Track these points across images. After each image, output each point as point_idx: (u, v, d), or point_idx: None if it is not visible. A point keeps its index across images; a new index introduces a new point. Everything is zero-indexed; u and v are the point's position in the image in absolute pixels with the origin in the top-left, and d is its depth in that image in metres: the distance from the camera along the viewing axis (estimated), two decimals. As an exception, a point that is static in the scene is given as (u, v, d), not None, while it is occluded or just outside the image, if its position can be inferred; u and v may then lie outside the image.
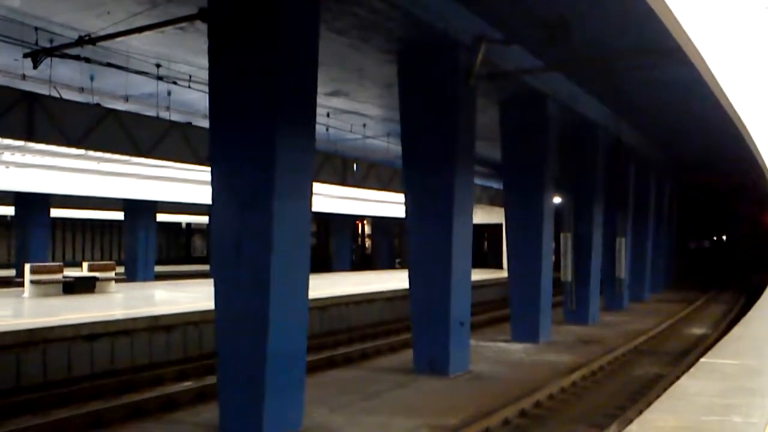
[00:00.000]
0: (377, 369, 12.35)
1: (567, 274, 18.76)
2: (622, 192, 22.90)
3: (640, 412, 6.48)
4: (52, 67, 12.44)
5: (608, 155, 20.18)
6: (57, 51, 11.01)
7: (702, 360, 8.55)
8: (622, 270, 22.76)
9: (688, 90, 15.12)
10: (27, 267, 16.24)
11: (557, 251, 18.72)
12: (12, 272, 27.50)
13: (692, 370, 7.72)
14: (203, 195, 17.98)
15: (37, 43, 11.17)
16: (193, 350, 12.68)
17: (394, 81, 12.21)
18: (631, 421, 5.97)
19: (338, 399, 9.85)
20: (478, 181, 26.18)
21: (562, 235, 18.74)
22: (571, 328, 17.75)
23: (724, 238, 43.95)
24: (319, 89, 8.77)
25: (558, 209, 17.94)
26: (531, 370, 12.24)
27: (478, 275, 17.37)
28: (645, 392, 10.28)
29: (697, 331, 18.03)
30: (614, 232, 22.37)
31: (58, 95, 14.03)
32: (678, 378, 7.83)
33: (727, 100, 14.24)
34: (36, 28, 11.04)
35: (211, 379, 10.10)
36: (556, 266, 17.93)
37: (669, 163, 29.22)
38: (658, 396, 6.99)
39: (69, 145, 14.16)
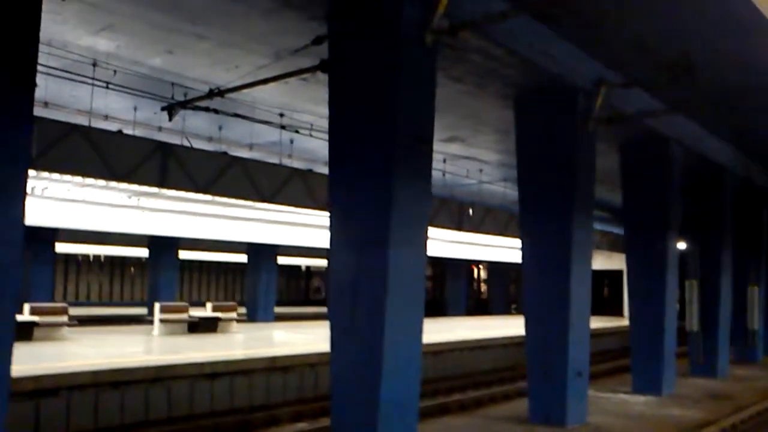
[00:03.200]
0: (491, 417, 12.10)
1: (693, 324, 17.80)
2: (755, 236, 21.61)
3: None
4: (185, 119, 13.31)
5: (738, 198, 19.17)
6: (189, 104, 11.77)
7: None
8: (755, 320, 21.33)
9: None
10: (157, 306, 17.18)
11: (682, 299, 17.82)
12: (145, 310, 29.13)
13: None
14: (322, 239, 18.44)
15: (172, 97, 12.00)
16: (309, 392, 12.90)
17: (511, 126, 12.16)
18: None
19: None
20: (597, 226, 25.42)
21: (687, 283, 17.85)
22: (698, 382, 16.75)
23: None
24: (436, 135, 8.88)
25: (683, 255, 17.15)
26: (653, 425, 11.62)
27: (597, 323, 16.78)
28: (783, 455, 9.54)
29: (844, 389, 16.57)
30: (746, 280, 21.08)
31: (189, 144, 14.92)
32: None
33: None
34: (172, 84, 11.88)
35: (325, 421, 10.23)
36: (681, 315, 17.06)
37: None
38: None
39: (197, 191, 14.96)
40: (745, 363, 20.88)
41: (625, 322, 20.76)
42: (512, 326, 21.07)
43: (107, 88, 11.55)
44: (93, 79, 11.25)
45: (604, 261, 31.76)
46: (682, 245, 17.29)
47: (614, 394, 14.54)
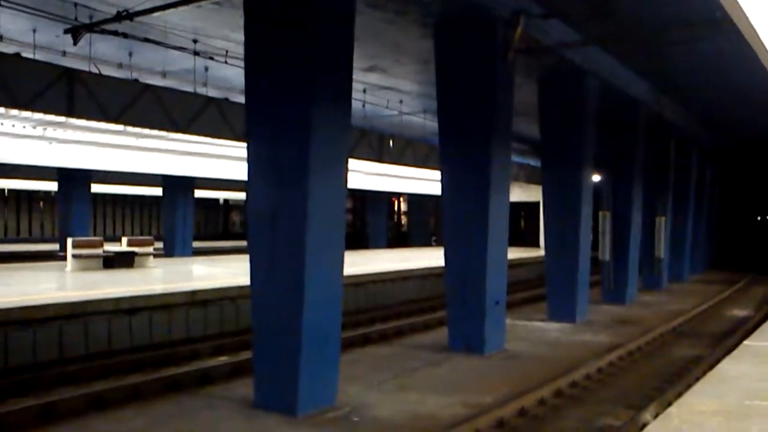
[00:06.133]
0: (412, 346, 12.35)
1: (605, 254, 18.51)
2: (663, 170, 22.46)
3: (680, 395, 6.36)
4: (92, 44, 12.56)
5: (649, 132, 19.78)
6: (96, 27, 11.08)
7: (745, 343, 8.38)
8: (661, 249, 22.39)
9: (736, 63, 14.73)
10: (69, 241, 16.55)
11: (595, 230, 18.47)
12: (56, 246, 28.13)
13: (734, 353, 7.57)
14: (240, 171, 18.08)
15: (76, 19, 11.26)
16: (230, 325, 12.81)
17: (431, 56, 12.05)
18: (670, 404, 5.86)
19: (373, 375, 9.88)
20: (515, 158, 25.85)
21: (600, 214, 18.46)
22: (609, 308, 17.54)
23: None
24: (356, 65, 8.69)
25: (597, 187, 17.67)
26: (567, 350, 12.13)
27: (514, 254, 17.21)
28: (684, 374, 10.10)
29: (739, 313, 17.67)
30: (654, 211, 21.99)
31: (97, 71, 14.16)
32: (719, 361, 7.67)
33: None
34: (75, 4, 11.13)
35: (246, 354, 10.20)
36: (594, 245, 17.70)
37: (713, 140, 28.55)
38: (698, 379, 6.85)
39: (108, 120, 14.31)
40: (652, 290, 22.01)
41: (541, 253, 21.41)
42: (432, 257, 21.41)
43: (-1, 5, 10.74)
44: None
45: (521, 193, 32.48)
46: (596, 177, 17.80)
47: (530, 322, 15.06)
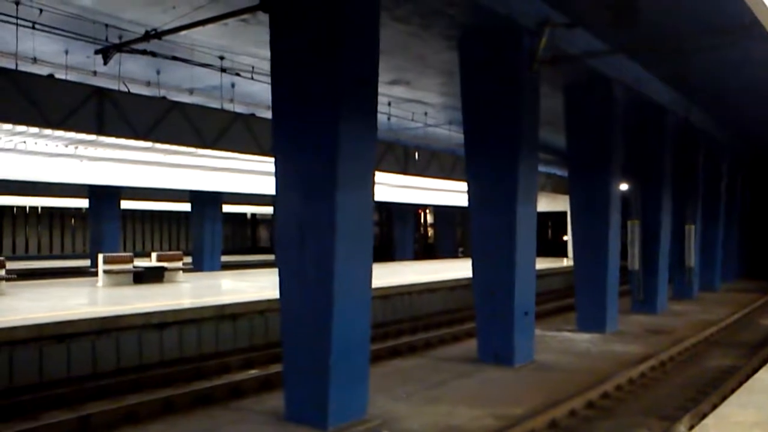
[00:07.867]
0: (441, 358, 12.30)
1: (634, 263, 18.31)
2: (692, 178, 22.19)
3: (715, 406, 6.26)
4: (121, 63, 12.79)
5: (677, 139, 19.56)
6: (125, 46, 11.28)
7: (781, 352, 8.22)
8: (692, 258, 22.09)
9: (766, 68, 14.53)
10: (100, 257, 16.79)
11: (624, 239, 18.28)
12: (87, 262, 28.52)
13: (770, 362, 7.43)
14: (268, 186, 18.21)
15: (107, 40, 11.48)
16: (259, 339, 12.87)
17: (456, 68, 12.07)
18: (704, 416, 5.77)
19: (402, 388, 9.85)
20: (542, 168, 25.65)
21: (629, 223, 18.28)
22: (639, 318, 17.33)
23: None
24: (380, 78, 8.73)
25: (625, 196, 17.50)
26: (598, 361, 12.00)
27: (542, 264, 17.09)
28: (718, 385, 9.93)
29: (774, 321, 17.36)
30: (683, 219, 21.72)
31: (126, 90, 14.39)
32: (755, 371, 7.55)
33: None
34: (106, 25, 11.36)
35: (276, 368, 10.24)
36: (623, 254, 17.53)
37: (743, 147, 28.15)
38: (734, 389, 6.74)
39: (137, 137, 14.50)
40: (683, 299, 21.71)
41: (569, 262, 21.24)
42: (460, 269, 21.35)
43: (33, 28, 10.97)
44: (17, 18, 10.65)
45: (548, 203, 32.28)
46: (624, 186, 17.64)
47: (560, 332, 14.93)
